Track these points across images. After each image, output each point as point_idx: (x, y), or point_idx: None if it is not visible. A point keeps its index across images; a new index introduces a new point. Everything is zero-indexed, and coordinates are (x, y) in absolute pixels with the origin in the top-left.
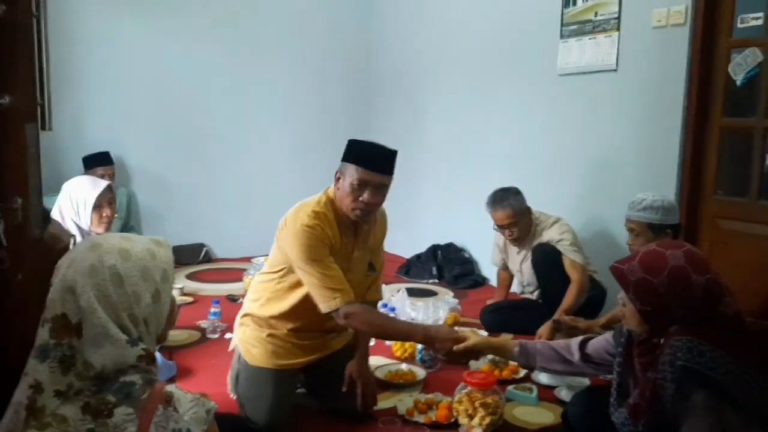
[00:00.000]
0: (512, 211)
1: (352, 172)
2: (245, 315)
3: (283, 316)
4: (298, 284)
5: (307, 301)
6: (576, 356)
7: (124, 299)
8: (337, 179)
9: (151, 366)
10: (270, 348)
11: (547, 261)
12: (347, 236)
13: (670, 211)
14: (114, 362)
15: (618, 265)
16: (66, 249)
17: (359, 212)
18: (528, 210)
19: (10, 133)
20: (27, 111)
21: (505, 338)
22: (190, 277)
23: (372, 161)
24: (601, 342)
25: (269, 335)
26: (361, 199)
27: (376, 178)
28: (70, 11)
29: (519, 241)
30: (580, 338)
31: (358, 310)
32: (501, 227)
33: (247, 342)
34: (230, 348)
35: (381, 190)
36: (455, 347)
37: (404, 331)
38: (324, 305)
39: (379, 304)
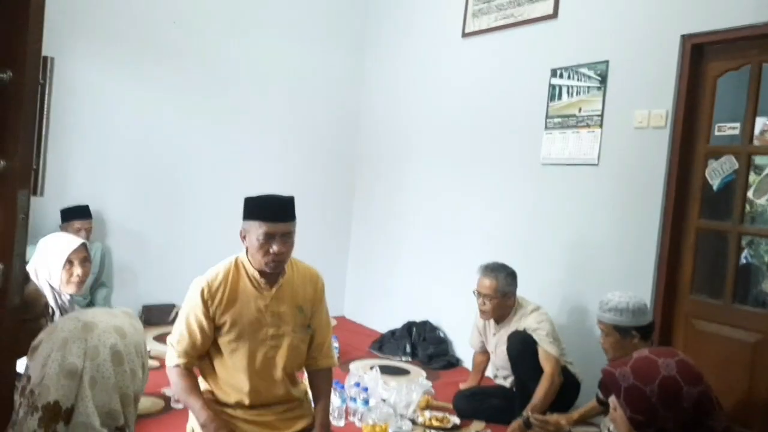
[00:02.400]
0: (497, 285)
1: (256, 228)
2: None
3: (222, 385)
4: (228, 347)
5: (237, 366)
6: None
7: (122, 378)
8: (243, 238)
9: None
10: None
11: (522, 349)
12: (260, 292)
13: (636, 313)
14: None
15: (610, 369)
16: (47, 307)
17: (272, 264)
18: (512, 295)
19: (3, 198)
20: (22, 176)
21: None
22: (159, 339)
23: (272, 213)
24: None
25: (219, 412)
26: (271, 251)
27: (279, 228)
28: (70, 70)
29: (488, 316)
30: None
31: (177, 374)
32: (479, 293)
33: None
34: (187, 430)
35: (287, 238)
36: None
37: (193, 408)
38: (168, 359)
39: (352, 382)
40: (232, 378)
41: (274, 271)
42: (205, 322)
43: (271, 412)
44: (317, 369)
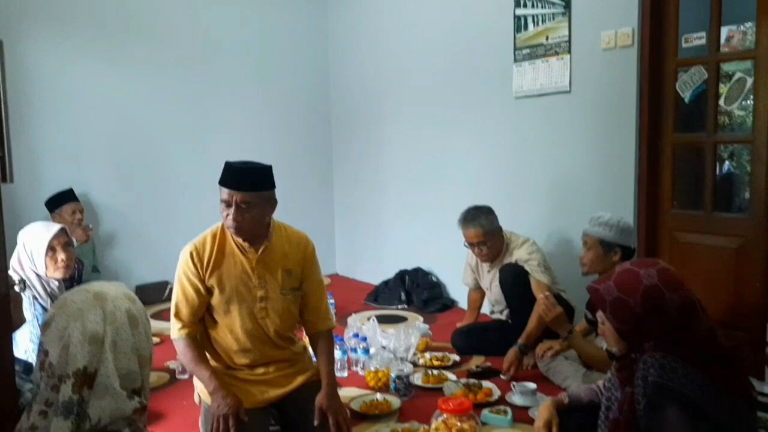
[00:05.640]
0: (483, 229)
1: (220, 194)
2: None
3: (220, 351)
4: (220, 310)
5: (231, 328)
6: None
7: (138, 339)
8: None
9: (142, 417)
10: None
11: (515, 281)
12: (245, 255)
13: (624, 233)
14: (111, 416)
15: (594, 286)
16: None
17: (233, 230)
18: (499, 230)
19: None
20: None
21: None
22: (156, 316)
23: (231, 180)
24: None
25: (224, 375)
26: (228, 217)
27: (235, 197)
28: (25, 53)
29: (489, 259)
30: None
31: (183, 345)
32: (471, 245)
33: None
34: (195, 399)
35: (245, 208)
36: None
37: (202, 378)
38: (172, 331)
39: (351, 333)
40: (226, 340)
41: (237, 237)
42: (198, 284)
43: (273, 369)
44: (317, 332)
